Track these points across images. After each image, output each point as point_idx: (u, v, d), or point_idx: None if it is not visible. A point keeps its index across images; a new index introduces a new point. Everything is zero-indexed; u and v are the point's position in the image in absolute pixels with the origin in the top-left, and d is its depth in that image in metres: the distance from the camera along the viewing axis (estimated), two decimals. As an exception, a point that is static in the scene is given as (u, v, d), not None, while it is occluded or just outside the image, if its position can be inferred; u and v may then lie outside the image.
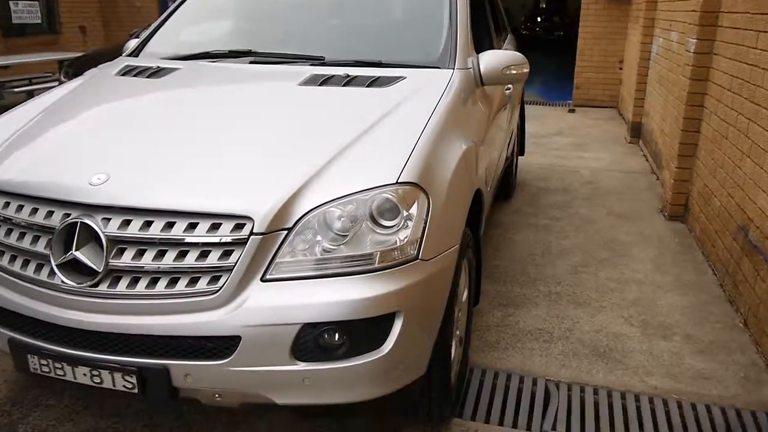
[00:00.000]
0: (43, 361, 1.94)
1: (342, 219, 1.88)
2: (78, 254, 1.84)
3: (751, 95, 3.46)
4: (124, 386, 1.88)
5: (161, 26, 3.31)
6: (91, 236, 1.86)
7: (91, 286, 1.85)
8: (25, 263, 1.95)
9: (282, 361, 1.84)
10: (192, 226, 1.82)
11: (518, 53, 3.03)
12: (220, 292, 1.81)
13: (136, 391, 1.87)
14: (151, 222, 1.83)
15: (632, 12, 8.82)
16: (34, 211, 1.94)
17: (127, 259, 1.83)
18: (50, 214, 1.91)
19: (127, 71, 2.83)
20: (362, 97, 2.44)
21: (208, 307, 1.82)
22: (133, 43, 3.40)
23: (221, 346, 1.84)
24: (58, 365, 1.92)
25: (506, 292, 3.57)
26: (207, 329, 1.82)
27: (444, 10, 3.04)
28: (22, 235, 1.96)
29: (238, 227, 1.81)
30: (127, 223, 1.84)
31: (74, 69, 6.90)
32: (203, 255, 1.82)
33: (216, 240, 1.81)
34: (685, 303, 3.49)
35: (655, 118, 6.32)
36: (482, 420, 2.52)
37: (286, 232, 1.84)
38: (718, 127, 4.05)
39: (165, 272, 1.83)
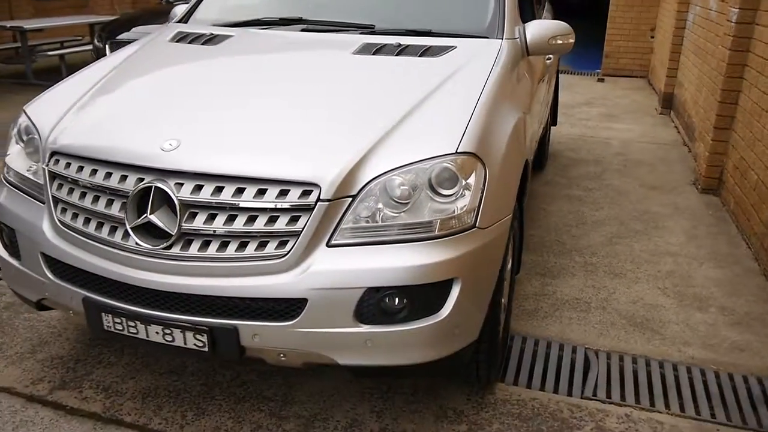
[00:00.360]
0: (117, 320, 2.04)
1: (402, 187, 1.94)
2: (152, 217, 1.92)
3: (797, 69, 3.43)
4: (195, 345, 1.98)
5: (207, -6, 3.34)
6: (164, 200, 1.94)
7: (164, 249, 1.93)
8: (99, 225, 2.04)
9: (346, 324, 1.92)
10: (261, 192, 1.89)
11: (563, 23, 3.02)
12: (287, 256, 1.89)
13: (206, 349, 1.97)
14: (222, 187, 1.90)
15: (666, -21, 8.63)
16: (108, 175, 2.02)
17: (199, 222, 1.91)
18: (124, 178, 1.99)
19: (181, 38, 2.88)
20: (416, 67, 2.48)
21: (276, 270, 1.90)
22: (180, 9, 3.44)
23: (288, 308, 1.92)
24: (131, 323, 2.02)
25: (543, 262, 3.63)
26: (275, 291, 1.90)
27: None
28: (96, 198, 2.04)
29: (306, 194, 1.88)
30: (198, 188, 1.91)
31: (107, 33, 6.94)
32: (272, 220, 1.89)
33: (284, 206, 1.88)
34: (720, 275, 3.54)
35: (689, 89, 6.26)
36: (524, 385, 2.61)
37: (350, 199, 1.91)
38: (758, 99, 4.03)
39: (235, 236, 1.91)
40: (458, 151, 1.99)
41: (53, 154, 2.15)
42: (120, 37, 6.86)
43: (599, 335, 2.96)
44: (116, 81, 2.51)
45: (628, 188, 4.86)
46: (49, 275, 2.16)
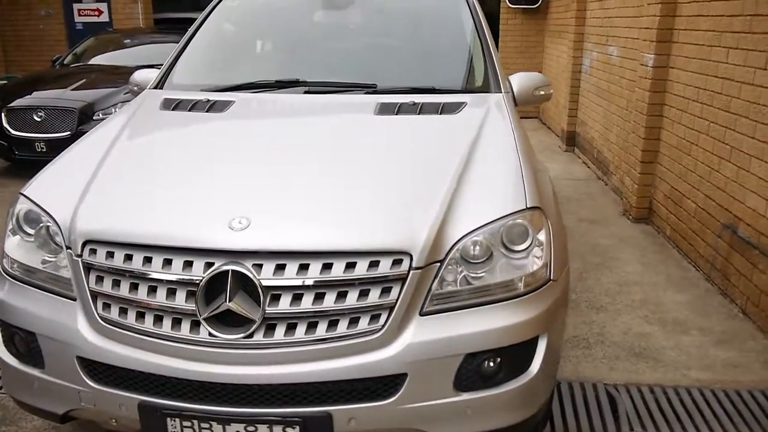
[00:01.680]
0: (186, 423, 1.82)
1: (480, 248, 1.93)
2: (231, 305, 1.75)
3: (726, 106, 3.85)
4: (285, 439, 1.81)
5: (179, 57, 3.17)
6: (239, 285, 1.78)
7: (244, 338, 1.76)
8: (158, 319, 1.83)
9: (446, 394, 1.85)
10: (350, 266, 1.79)
11: (541, 74, 3.20)
12: (383, 331, 1.80)
13: (298, 443, 1.81)
14: (307, 265, 1.78)
15: (549, 26, 9.42)
16: (167, 262, 1.82)
17: (284, 305, 1.77)
18: (189, 264, 1.80)
19: (175, 105, 2.68)
20: (443, 125, 2.50)
21: (372, 347, 1.80)
22: (143, 74, 3.23)
23: (386, 385, 1.82)
24: (204, 425, 1.81)
25: (529, 303, 3.71)
26: (373, 370, 1.80)
27: (473, 34, 3.16)
28: (152, 290, 1.83)
29: (397, 263, 1.81)
30: (281, 267, 1.78)
31: (2, 94, 6.36)
32: (363, 294, 1.80)
33: (377, 278, 1.79)
34: (685, 299, 3.81)
35: (595, 128, 6.79)
36: (561, 430, 2.63)
37: (438, 264, 1.86)
38: (685, 135, 4.46)
39: (324, 315, 1.79)
40: (528, 206, 2.02)
41: (86, 243, 1.91)
42: (17, 103, 6.31)
43: (610, 369, 3.06)
44: (129, 157, 2.30)
45: (570, 224, 5.14)
46: (89, 382, 1.90)
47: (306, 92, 2.80)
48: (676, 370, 3.06)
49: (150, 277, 1.82)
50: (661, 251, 4.57)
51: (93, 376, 1.90)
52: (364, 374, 1.80)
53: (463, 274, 1.91)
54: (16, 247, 2.10)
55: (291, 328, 1.79)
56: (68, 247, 1.96)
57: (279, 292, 1.78)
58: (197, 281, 1.77)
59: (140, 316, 1.85)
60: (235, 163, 2.19)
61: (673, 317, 3.58)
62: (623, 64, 5.88)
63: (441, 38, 3.23)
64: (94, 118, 6.36)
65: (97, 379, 1.90)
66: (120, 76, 7.19)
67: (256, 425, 1.80)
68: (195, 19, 3.41)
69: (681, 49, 4.55)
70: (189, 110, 2.63)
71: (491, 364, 1.89)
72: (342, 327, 1.79)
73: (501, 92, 2.88)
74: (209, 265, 1.79)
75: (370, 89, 2.81)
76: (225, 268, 1.76)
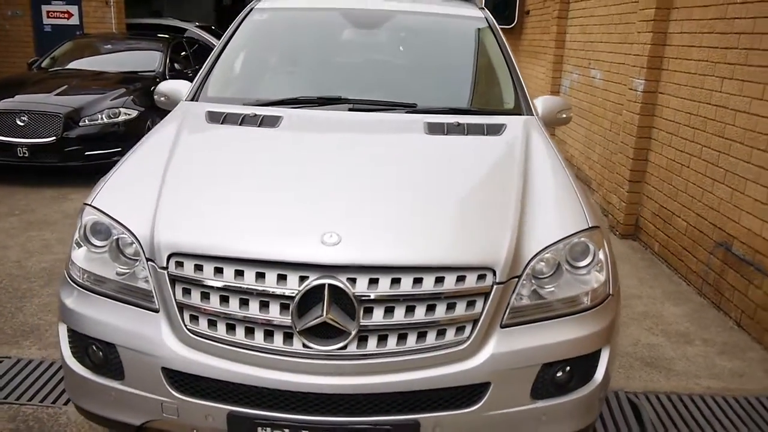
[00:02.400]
0: None
1: (549, 264, 2.04)
2: (329, 318, 1.81)
3: (720, 131, 4.11)
4: (374, 447, 1.87)
5: (212, 69, 3.19)
6: (334, 298, 1.83)
7: (339, 349, 1.82)
8: (249, 331, 1.87)
9: (524, 402, 1.95)
10: (439, 280, 1.87)
11: (561, 98, 3.37)
12: (469, 342, 1.89)
13: (387, 449, 1.87)
14: (399, 279, 1.86)
15: (524, 46, 9.72)
16: (260, 276, 1.86)
17: (377, 318, 1.84)
18: (282, 278, 1.85)
19: (224, 119, 2.70)
20: (491, 145, 2.62)
21: (458, 358, 1.89)
22: (169, 87, 3.23)
23: (471, 393, 1.91)
24: (295, 435, 1.86)
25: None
26: (459, 379, 1.88)
27: (499, 57, 3.31)
28: (244, 302, 1.87)
29: (481, 278, 1.90)
30: (373, 281, 1.85)
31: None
32: (450, 307, 1.88)
33: (463, 292, 1.88)
34: (683, 311, 4.03)
35: (575, 146, 7.06)
36: (595, 438, 2.77)
37: (516, 279, 1.97)
38: (675, 157, 4.71)
39: (414, 327, 1.86)
40: (589, 226, 2.15)
41: (171, 255, 1.93)
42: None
43: (627, 378, 3.23)
44: (194, 170, 2.31)
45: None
46: (175, 393, 1.91)
47: (350, 110, 2.86)
48: (688, 379, 3.25)
49: (242, 290, 1.86)
50: (651, 266, 4.80)
51: (178, 387, 1.92)
52: (451, 383, 1.88)
53: (534, 289, 2.01)
54: (85, 257, 2.10)
55: (382, 339, 1.86)
56: (149, 259, 1.97)
57: (372, 305, 1.84)
58: (292, 295, 1.82)
59: (230, 328, 1.88)
60: (311, 179, 2.25)
61: (675, 329, 3.78)
62: (607, 87, 6.16)
63: (471, 60, 3.36)
64: (80, 124, 6.23)
65: (183, 390, 1.92)
66: (103, 81, 7.09)
67: (347, 435, 1.85)
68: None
69: (671, 76, 4.82)
70: (240, 124, 2.66)
71: (563, 373, 2.01)
72: (431, 338, 1.88)
73: (533, 114, 3.02)
74: (303, 278, 1.84)
75: (411, 108, 2.91)
76: (321, 281, 1.82)
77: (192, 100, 3.05)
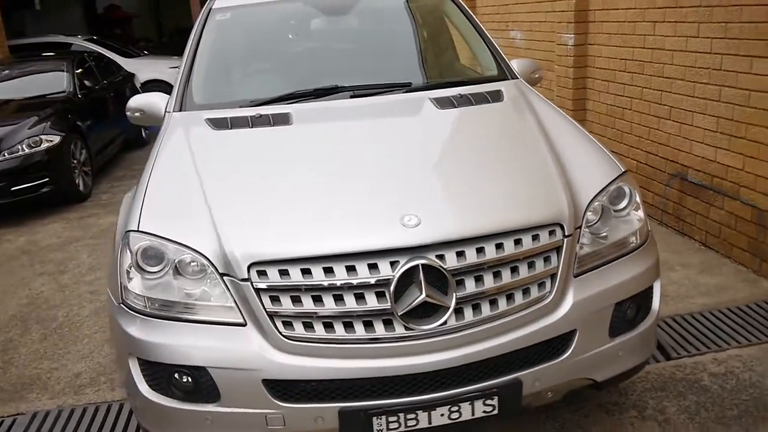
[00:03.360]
0: (392, 419, 1.89)
1: (596, 212, 2.18)
2: (428, 296, 1.85)
3: (659, 72, 4.42)
4: (483, 411, 1.94)
5: (189, 77, 3.07)
6: (426, 277, 1.87)
7: (440, 325, 1.87)
8: (348, 325, 1.88)
9: (604, 342, 2.09)
10: (518, 242, 1.96)
11: (532, 60, 3.52)
12: (552, 296, 1.99)
13: (495, 412, 1.95)
14: (482, 247, 1.92)
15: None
16: (350, 269, 1.87)
17: (470, 288, 1.91)
18: (373, 267, 1.87)
19: (232, 123, 2.63)
20: (501, 111, 2.72)
21: (545, 312, 1.99)
22: (141, 101, 3.10)
23: (561, 343, 2.02)
24: (410, 416, 1.90)
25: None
26: (550, 332, 1.99)
27: (470, 28, 3.40)
28: (338, 298, 1.87)
29: (552, 234, 2.01)
30: (460, 254, 1.90)
31: None
32: (531, 266, 1.98)
33: (540, 249, 1.98)
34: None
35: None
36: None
37: (578, 230, 2.08)
38: (615, 102, 5.03)
39: (502, 291, 1.94)
40: (623, 171, 2.30)
41: (252, 266, 1.89)
42: None
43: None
44: (232, 179, 2.27)
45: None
46: (279, 403, 1.90)
47: (353, 96, 2.86)
48: (684, 300, 3.53)
49: (336, 286, 1.86)
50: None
51: (282, 396, 1.91)
52: (543, 338, 1.98)
53: (591, 237, 2.14)
54: (143, 285, 2.01)
55: (476, 308, 1.92)
56: (224, 274, 1.93)
57: (462, 278, 1.90)
58: (387, 281, 1.85)
59: (327, 326, 1.88)
60: (359, 168, 2.26)
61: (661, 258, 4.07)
62: (531, 46, 6.43)
63: (447, 34, 3.43)
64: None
65: (288, 398, 1.91)
66: (11, 110, 6.60)
67: (459, 404, 1.91)
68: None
69: (600, 27, 5.11)
70: (252, 126, 2.60)
71: (630, 309, 2.16)
72: (518, 299, 1.96)
73: (518, 78, 3.14)
74: (393, 264, 1.87)
75: (408, 88, 2.95)
76: (414, 263, 1.85)
77: (180, 110, 2.93)
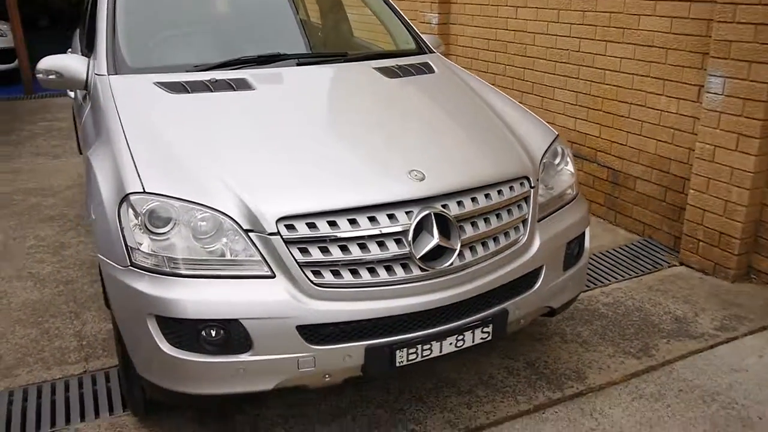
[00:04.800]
0: (411, 350, 2.12)
1: (546, 167, 2.57)
2: (441, 240, 2.10)
3: (522, 51, 5.03)
4: (481, 338, 2.24)
5: (114, 41, 2.93)
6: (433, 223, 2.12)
7: (448, 265, 2.14)
8: (371, 270, 2.06)
9: (559, 274, 2.51)
10: (500, 193, 2.28)
11: (436, 36, 3.87)
12: (525, 238, 2.35)
13: (490, 338, 2.26)
14: (475, 197, 2.22)
15: None
16: (372, 219, 2.05)
17: (469, 232, 2.19)
18: (391, 217, 2.07)
19: (189, 87, 2.62)
20: (440, 80, 3.02)
21: (522, 252, 2.35)
22: (54, 62, 2.92)
23: (532, 277, 2.39)
24: (426, 347, 2.14)
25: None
26: (526, 268, 2.35)
27: (386, 5, 3.65)
28: (362, 246, 2.04)
29: (522, 185, 2.37)
30: (459, 203, 2.18)
31: None
32: (509, 213, 2.31)
33: (516, 198, 2.33)
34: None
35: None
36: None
37: (537, 182, 2.46)
38: (486, 68, 5.57)
39: (492, 235, 2.26)
40: (556, 134, 2.73)
41: (280, 220, 1.99)
42: None
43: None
44: (225, 139, 2.32)
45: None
46: (312, 346, 2.03)
47: (299, 64, 2.96)
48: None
49: (361, 235, 2.03)
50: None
51: (313, 339, 2.04)
52: (522, 272, 2.34)
53: (543, 188, 2.54)
54: (155, 245, 2.01)
55: (472, 250, 2.21)
56: (248, 231, 2.00)
57: (462, 224, 2.18)
58: (405, 229, 2.07)
59: (353, 272, 2.05)
60: (347, 127, 2.44)
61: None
62: (391, 24, 6.79)
63: (365, 10, 3.62)
64: None
65: (318, 341, 2.04)
66: None
67: (464, 333, 2.20)
68: None
69: (462, 8, 5.62)
70: (213, 91, 2.61)
71: (575, 247, 2.60)
72: (502, 241, 2.29)
73: (434, 52, 3.46)
74: (408, 213, 2.09)
75: (346, 57, 3.12)
76: (427, 212, 2.09)
77: (114, 74, 2.80)
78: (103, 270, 2.19)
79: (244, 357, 2.01)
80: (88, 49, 3.41)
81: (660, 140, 3.98)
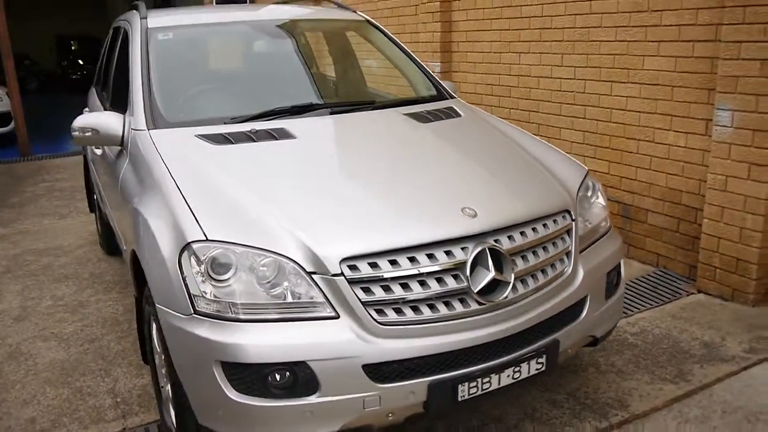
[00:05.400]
0: (472, 384, 2.16)
1: (584, 197, 2.67)
2: (497, 274, 2.16)
3: (526, 95, 5.21)
4: (536, 369, 2.29)
5: (151, 97, 3.02)
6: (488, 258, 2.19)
7: (504, 298, 2.20)
8: (431, 306, 2.11)
9: (602, 304, 2.58)
10: (545, 226, 2.37)
11: (450, 82, 4.02)
12: (570, 269, 2.43)
13: (544, 368, 2.31)
14: (524, 232, 2.30)
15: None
16: (430, 257, 2.11)
17: (521, 265, 2.26)
18: (448, 254, 2.14)
19: (232, 139, 2.71)
20: (469, 124, 3.14)
21: (568, 283, 2.42)
22: (90, 121, 2.99)
23: (578, 308, 2.46)
24: (485, 380, 2.18)
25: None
26: (574, 298, 2.42)
27: (401, 53, 3.80)
28: (422, 283, 2.10)
29: (564, 218, 2.46)
30: (509, 238, 2.25)
31: None
32: (555, 245, 2.40)
33: (560, 231, 2.41)
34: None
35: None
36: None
37: (576, 215, 2.56)
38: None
39: (539, 267, 2.33)
40: (588, 170, 2.84)
41: (343, 261, 2.05)
42: None
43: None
44: (282, 187, 2.40)
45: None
46: (378, 384, 2.06)
47: (332, 113, 3.07)
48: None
49: (421, 272, 2.10)
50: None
51: (378, 378, 2.07)
52: (569, 303, 2.41)
53: (582, 221, 2.62)
54: (218, 292, 2.05)
55: (524, 283, 2.28)
56: (311, 273, 2.05)
57: (513, 257, 2.25)
58: (462, 264, 2.13)
59: (414, 309, 2.10)
60: (394, 169, 2.54)
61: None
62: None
63: (385, 62, 3.77)
64: None
65: (383, 379, 2.08)
66: None
67: (520, 365, 2.25)
68: None
69: (464, 56, 5.83)
70: (257, 141, 2.69)
71: (613, 277, 2.67)
72: (551, 273, 2.37)
73: (455, 97, 3.59)
74: (464, 249, 2.16)
75: (374, 105, 3.25)
76: (481, 247, 2.17)
77: (153, 128, 2.88)
78: (162, 319, 2.21)
79: (312, 399, 2.04)
80: (114, 107, 3.51)
81: (670, 173, 4.11)
